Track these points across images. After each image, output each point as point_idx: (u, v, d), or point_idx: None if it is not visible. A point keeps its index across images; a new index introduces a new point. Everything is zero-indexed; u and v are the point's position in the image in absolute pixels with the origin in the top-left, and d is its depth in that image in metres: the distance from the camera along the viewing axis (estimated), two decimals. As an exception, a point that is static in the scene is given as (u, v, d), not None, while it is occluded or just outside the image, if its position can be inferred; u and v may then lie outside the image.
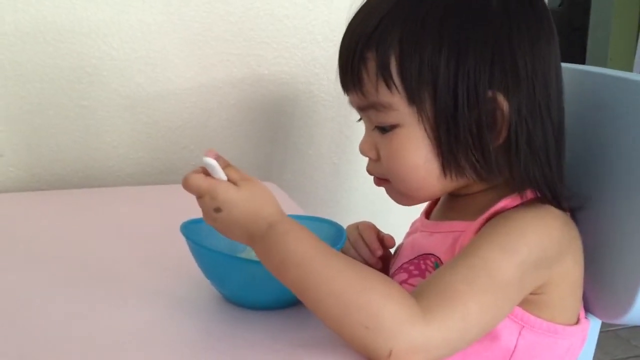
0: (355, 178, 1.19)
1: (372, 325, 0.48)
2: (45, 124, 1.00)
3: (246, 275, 0.55)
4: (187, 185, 0.52)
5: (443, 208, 0.69)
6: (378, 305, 0.49)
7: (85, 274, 0.66)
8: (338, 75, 0.65)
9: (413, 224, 0.75)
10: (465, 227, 0.61)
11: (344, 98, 0.67)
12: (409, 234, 0.73)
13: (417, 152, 0.59)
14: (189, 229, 0.59)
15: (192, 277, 0.63)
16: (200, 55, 1.03)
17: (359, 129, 0.68)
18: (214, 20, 1.02)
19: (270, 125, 1.11)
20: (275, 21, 1.06)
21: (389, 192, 0.66)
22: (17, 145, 0.99)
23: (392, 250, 0.75)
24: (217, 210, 0.52)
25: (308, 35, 1.09)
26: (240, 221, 0.52)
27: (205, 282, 0.61)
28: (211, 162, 0.52)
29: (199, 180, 0.52)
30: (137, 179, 1.05)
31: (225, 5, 1.03)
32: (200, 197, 0.53)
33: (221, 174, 0.53)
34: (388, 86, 0.58)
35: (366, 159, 0.66)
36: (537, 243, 0.56)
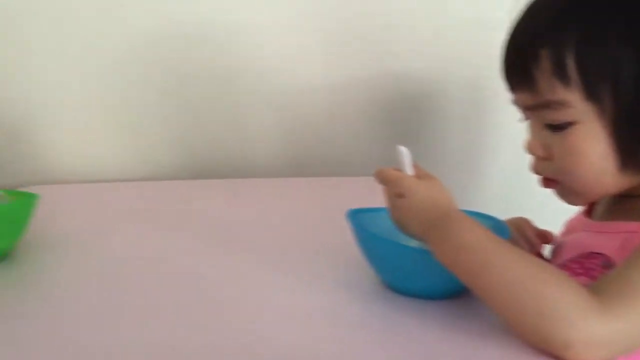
0: (488, 176, 1.18)
1: (549, 313, 0.47)
2: (199, 119, 1.07)
3: (414, 263, 0.57)
4: (379, 174, 0.60)
5: (608, 208, 0.67)
6: (555, 294, 0.48)
7: (252, 257, 0.70)
8: (502, 74, 0.64)
9: (568, 223, 0.73)
10: (637, 228, 0.59)
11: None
12: (566, 233, 0.72)
13: (594, 148, 0.58)
14: (354, 217, 0.62)
15: (353, 264, 0.66)
16: (338, 52, 1.06)
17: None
18: (350, 18, 1.05)
19: (403, 122, 1.12)
20: (410, 17, 1.07)
21: (559, 191, 0.65)
22: (174, 137, 1.07)
23: (547, 247, 0.74)
24: (400, 195, 0.57)
25: (443, 33, 1.09)
26: (419, 206, 0.56)
27: (367, 270, 0.63)
28: (404, 150, 0.59)
29: (390, 170, 0.59)
30: (278, 171, 1.10)
31: (361, 3, 1.05)
32: (387, 184, 0.59)
33: (409, 166, 0.59)
34: (565, 83, 0.57)
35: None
36: None
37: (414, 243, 0.59)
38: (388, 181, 0.59)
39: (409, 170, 0.60)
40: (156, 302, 0.59)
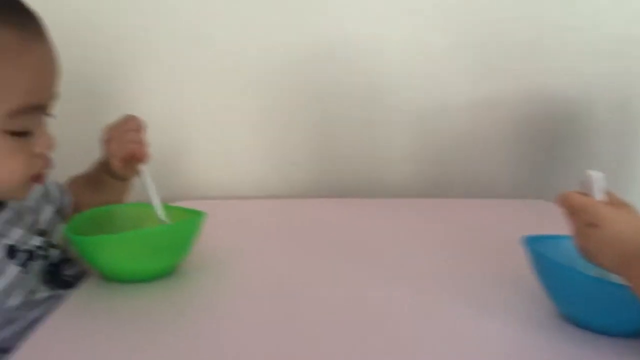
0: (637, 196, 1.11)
1: None
2: (335, 136, 1.07)
3: (608, 297, 0.53)
4: (566, 200, 0.54)
5: None
6: None
7: (410, 284, 0.69)
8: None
9: None
10: None
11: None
12: None
13: None
14: (532, 244, 0.59)
15: (523, 292, 0.63)
16: (480, 69, 1.03)
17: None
18: (495, 34, 1.02)
19: (548, 142, 1.08)
20: (560, 33, 1.03)
21: None
22: (310, 154, 1.08)
23: None
24: (592, 225, 0.52)
25: (592, 49, 1.04)
26: (617, 237, 0.52)
27: (544, 300, 0.60)
28: (596, 175, 0.53)
29: (578, 197, 0.53)
30: (415, 191, 1.08)
31: (506, 19, 1.02)
32: (574, 212, 0.53)
33: (599, 192, 0.53)
34: None
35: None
36: None
37: (596, 273, 0.56)
38: (577, 209, 0.54)
39: (598, 196, 0.55)
40: (315, 321, 0.60)
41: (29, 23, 0.59)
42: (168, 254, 0.67)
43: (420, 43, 1.02)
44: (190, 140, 1.06)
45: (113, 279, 0.67)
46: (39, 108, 0.60)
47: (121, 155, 0.72)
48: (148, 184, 0.71)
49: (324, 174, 1.08)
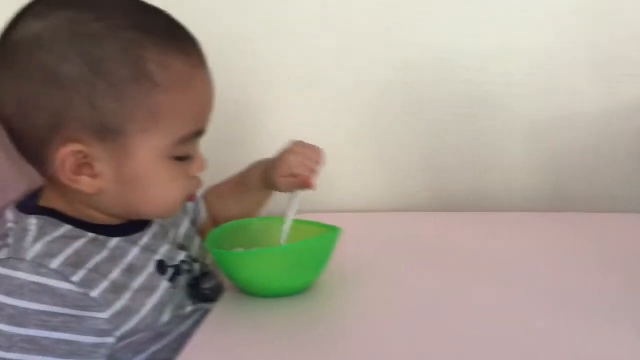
0: None
1: None
2: (447, 149, 1.04)
3: None
4: None
5: None
6: None
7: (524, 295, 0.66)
8: None
9: None
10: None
11: None
12: None
13: None
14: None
15: None
16: (606, 77, 0.99)
17: None
18: (621, 40, 0.98)
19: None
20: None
21: None
22: (422, 166, 1.06)
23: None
24: None
25: None
26: None
27: None
28: None
29: None
30: (528, 204, 1.05)
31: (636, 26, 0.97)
32: None
33: None
34: None
35: None
36: None
37: None
38: None
39: None
40: (455, 337, 0.58)
41: (193, 49, 0.60)
42: (310, 268, 0.67)
43: (542, 51, 0.98)
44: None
45: (254, 293, 0.67)
46: (201, 133, 0.62)
47: (293, 172, 0.72)
48: (293, 206, 0.71)
49: (435, 188, 1.06)
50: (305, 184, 0.71)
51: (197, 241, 0.74)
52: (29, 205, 0.62)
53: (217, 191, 0.81)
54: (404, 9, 1.00)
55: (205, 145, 0.66)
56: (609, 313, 0.62)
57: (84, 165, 0.58)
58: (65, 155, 0.57)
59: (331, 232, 0.67)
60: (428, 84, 1.02)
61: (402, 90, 1.03)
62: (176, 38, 0.59)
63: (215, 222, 0.78)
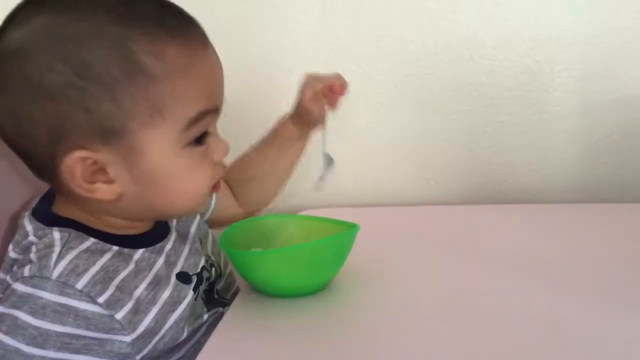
0: None
1: None
2: (463, 140, 1.02)
3: None
4: None
5: None
6: None
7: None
8: None
9: None
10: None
11: None
12: None
13: None
14: None
15: None
16: (633, 64, 0.95)
17: None
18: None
19: None
20: None
21: None
22: (437, 160, 1.03)
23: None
24: None
25: None
26: None
27: None
28: None
29: None
30: (546, 196, 1.02)
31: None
32: None
33: None
34: None
35: None
36: None
37: None
38: None
39: None
40: (479, 333, 0.56)
41: (188, 30, 0.57)
42: (328, 267, 0.65)
43: (567, 37, 0.95)
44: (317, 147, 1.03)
45: (270, 293, 0.65)
46: (216, 111, 0.58)
47: (315, 89, 0.73)
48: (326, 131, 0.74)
49: (452, 181, 1.03)
50: (333, 90, 0.72)
51: (210, 237, 0.71)
52: (45, 213, 0.59)
53: (248, 154, 0.79)
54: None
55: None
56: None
57: (97, 172, 0.55)
58: (71, 164, 0.54)
59: (350, 230, 0.64)
60: (447, 74, 0.99)
61: (419, 80, 1.00)
62: (166, 23, 0.55)
63: (241, 200, 0.79)
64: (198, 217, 0.71)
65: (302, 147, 0.79)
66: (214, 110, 0.58)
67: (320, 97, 0.73)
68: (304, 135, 0.77)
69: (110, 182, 0.55)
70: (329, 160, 0.73)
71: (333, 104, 0.73)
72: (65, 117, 0.52)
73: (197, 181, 0.58)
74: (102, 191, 0.55)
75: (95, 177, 0.55)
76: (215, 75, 0.58)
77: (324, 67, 0.98)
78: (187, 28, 0.56)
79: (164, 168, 0.56)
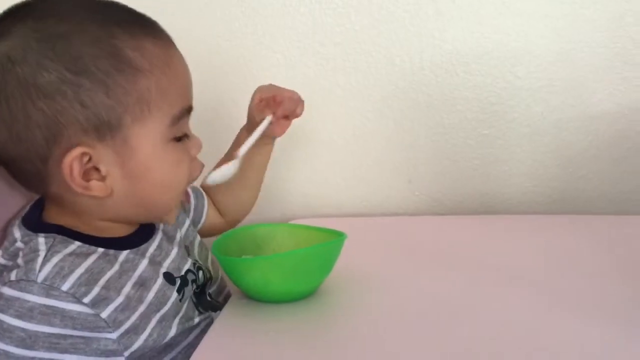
0: None
1: None
2: (448, 152, 1.05)
3: None
4: None
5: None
6: None
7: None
8: None
9: None
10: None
11: None
12: None
13: None
14: None
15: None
16: (610, 80, 0.99)
17: None
18: (624, 45, 0.98)
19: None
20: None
21: None
22: (422, 171, 1.06)
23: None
24: None
25: None
26: None
27: None
28: None
29: None
30: (528, 207, 1.05)
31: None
32: None
33: None
34: None
35: None
36: None
37: None
38: None
39: None
40: (465, 342, 0.58)
41: (160, 31, 0.60)
42: (316, 274, 0.67)
43: (547, 54, 0.98)
44: (306, 158, 1.06)
45: (260, 299, 0.67)
46: (190, 109, 0.62)
47: (262, 97, 0.74)
48: (260, 128, 0.73)
49: (436, 192, 1.06)
50: (275, 100, 0.73)
51: (197, 242, 0.74)
52: (34, 220, 0.61)
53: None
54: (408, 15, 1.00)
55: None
56: (622, 316, 0.62)
57: (90, 170, 0.57)
58: (71, 161, 0.56)
59: (337, 238, 0.66)
60: (433, 89, 1.02)
61: (406, 94, 1.03)
62: (142, 23, 0.59)
63: (221, 210, 0.80)
64: (188, 221, 0.74)
65: (266, 153, 0.81)
66: (190, 109, 0.62)
67: (264, 105, 0.74)
68: (262, 142, 0.78)
69: (102, 178, 0.58)
70: (234, 164, 0.70)
71: (276, 113, 0.74)
72: (61, 113, 0.54)
73: (180, 175, 0.62)
74: (96, 188, 0.58)
75: (89, 174, 0.57)
76: (188, 75, 0.62)
77: (313, 81, 1.03)
78: (158, 29, 0.60)
79: (153, 162, 0.59)
